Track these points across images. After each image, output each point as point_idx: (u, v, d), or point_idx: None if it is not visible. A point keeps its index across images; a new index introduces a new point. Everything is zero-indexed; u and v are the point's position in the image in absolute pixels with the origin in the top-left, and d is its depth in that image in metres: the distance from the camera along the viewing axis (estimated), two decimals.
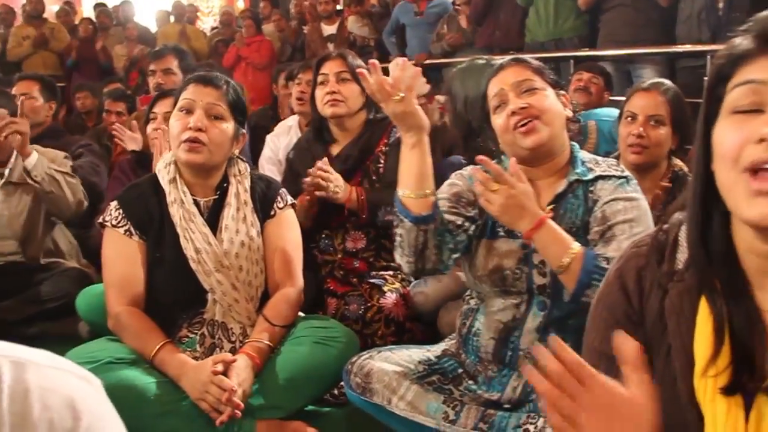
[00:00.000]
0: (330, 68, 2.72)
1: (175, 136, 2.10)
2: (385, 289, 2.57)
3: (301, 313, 2.26)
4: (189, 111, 2.09)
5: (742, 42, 0.97)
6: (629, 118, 2.47)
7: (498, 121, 1.87)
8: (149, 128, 2.88)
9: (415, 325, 2.56)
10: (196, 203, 2.14)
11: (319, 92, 2.73)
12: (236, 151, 2.22)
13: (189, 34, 8.71)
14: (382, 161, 2.72)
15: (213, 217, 2.14)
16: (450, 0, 6.51)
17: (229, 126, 2.13)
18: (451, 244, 1.83)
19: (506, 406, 1.85)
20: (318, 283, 2.64)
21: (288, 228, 2.25)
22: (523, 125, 1.80)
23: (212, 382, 1.88)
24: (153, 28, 9.53)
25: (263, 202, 2.22)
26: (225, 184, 2.18)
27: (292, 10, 8.56)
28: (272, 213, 2.22)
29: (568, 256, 1.66)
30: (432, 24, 6.20)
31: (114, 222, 2.11)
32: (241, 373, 1.93)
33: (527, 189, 1.71)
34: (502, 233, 1.87)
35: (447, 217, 1.85)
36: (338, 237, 2.73)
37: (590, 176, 1.84)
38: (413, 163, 1.78)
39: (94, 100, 5.79)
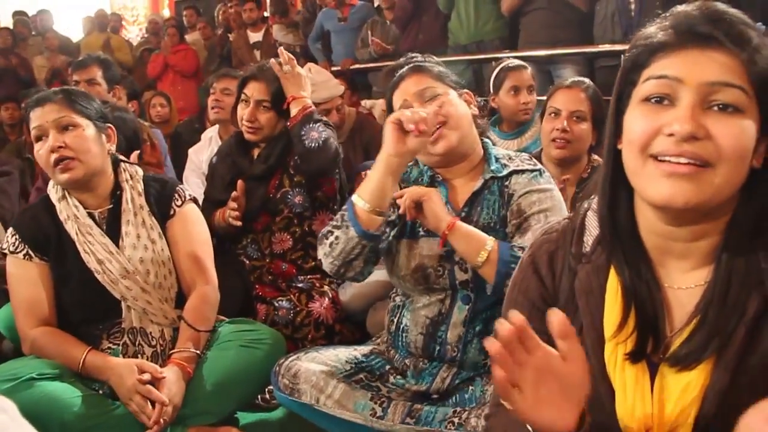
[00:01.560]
0: (252, 92, 2.71)
1: (44, 165, 2.07)
2: (314, 293, 2.60)
3: (225, 319, 2.26)
4: (43, 136, 2.06)
5: (660, 33, 1.01)
6: (552, 114, 2.54)
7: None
8: None
9: (345, 326, 2.60)
10: (91, 215, 2.12)
11: (240, 110, 2.74)
12: (112, 148, 2.17)
13: (113, 44, 8.55)
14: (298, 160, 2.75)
15: (112, 227, 2.12)
16: (374, 5, 6.57)
17: (86, 130, 2.08)
18: (374, 257, 1.87)
19: (434, 396, 1.90)
20: (247, 290, 2.64)
21: (191, 224, 2.23)
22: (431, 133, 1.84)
23: (138, 392, 1.90)
24: (78, 37, 9.30)
25: (160, 203, 2.20)
26: (118, 192, 2.16)
27: (219, 17, 8.51)
28: (171, 212, 2.20)
29: (485, 251, 1.73)
30: (356, 29, 6.21)
31: (12, 248, 2.09)
32: (172, 387, 1.94)
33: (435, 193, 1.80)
34: (422, 233, 1.91)
35: None
36: (264, 240, 2.74)
37: (505, 172, 1.91)
38: (382, 179, 1.74)
39: (20, 112, 5.65)
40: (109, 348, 2.08)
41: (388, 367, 1.99)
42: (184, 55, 7.55)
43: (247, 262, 2.74)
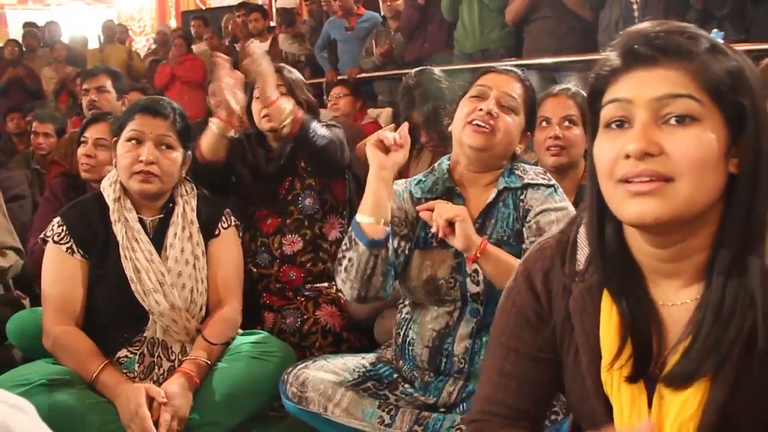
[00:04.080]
0: None
1: (125, 167, 2.09)
2: (321, 300, 2.61)
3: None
4: (139, 141, 2.09)
5: (611, 59, 1.04)
6: (543, 123, 2.50)
7: (464, 108, 1.91)
8: (80, 152, 2.86)
9: (353, 334, 2.60)
10: (142, 222, 2.14)
11: (256, 106, 2.72)
12: (184, 173, 2.24)
13: (123, 54, 8.61)
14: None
15: (159, 236, 2.14)
16: (380, 14, 6.58)
17: (178, 155, 2.15)
18: (393, 271, 1.87)
19: (442, 409, 1.90)
20: (254, 298, 2.65)
21: (231, 248, 2.28)
22: (478, 125, 1.85)
23: (137, 415, 1.88)
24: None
25: (208, 221, 2.23)
26: (171, 204, 2.19)
27: (227, 27, 8.55)
28: (216, 233, 2.24)
29: None
30: (363, 39, 6.21)
31: (56, 238, 2.09)
32: (176, 401, 1.94)
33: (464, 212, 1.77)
34: (435, 243, 1.91)
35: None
36: (275, 242, 2.74)
37: (519, 184, 1.90)
38: (377, 193, 1.81)
39: (25, 122, 5.71)
40: (126, 356, 2.09)
41: (396, 375, 2.00)
42: (191, 65, 7.58)
43: (255, 270, 2.75)
